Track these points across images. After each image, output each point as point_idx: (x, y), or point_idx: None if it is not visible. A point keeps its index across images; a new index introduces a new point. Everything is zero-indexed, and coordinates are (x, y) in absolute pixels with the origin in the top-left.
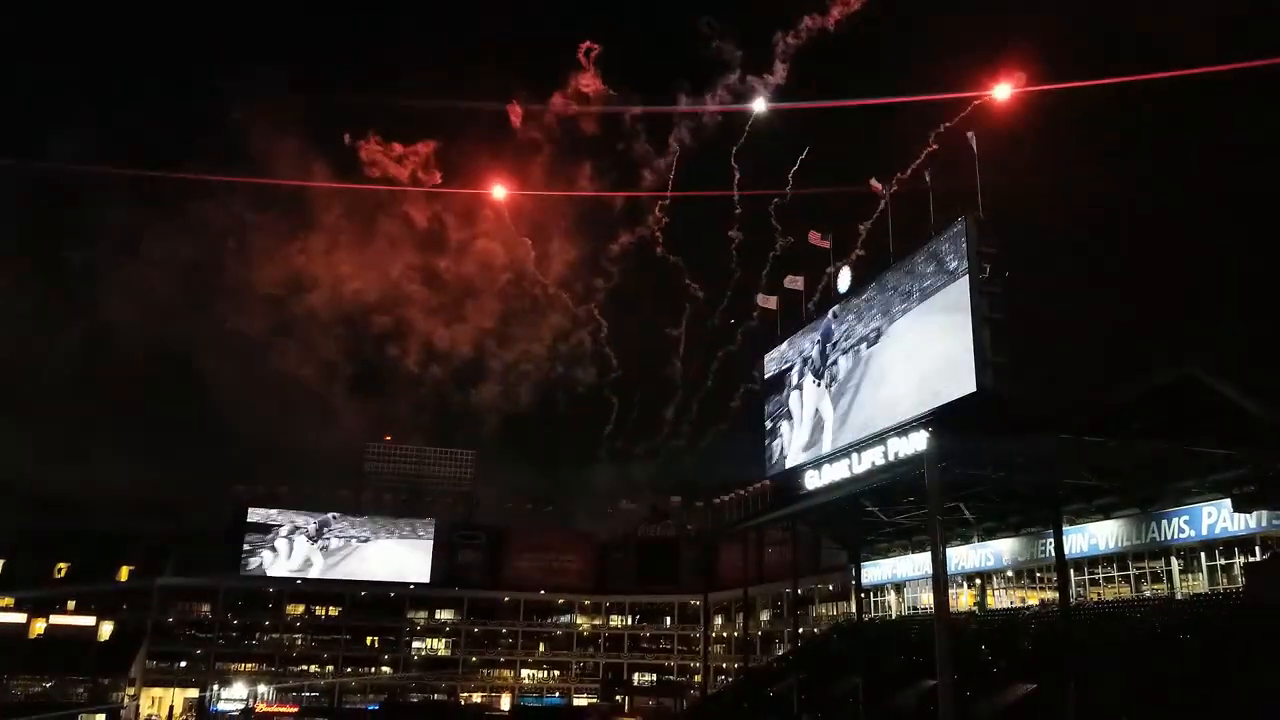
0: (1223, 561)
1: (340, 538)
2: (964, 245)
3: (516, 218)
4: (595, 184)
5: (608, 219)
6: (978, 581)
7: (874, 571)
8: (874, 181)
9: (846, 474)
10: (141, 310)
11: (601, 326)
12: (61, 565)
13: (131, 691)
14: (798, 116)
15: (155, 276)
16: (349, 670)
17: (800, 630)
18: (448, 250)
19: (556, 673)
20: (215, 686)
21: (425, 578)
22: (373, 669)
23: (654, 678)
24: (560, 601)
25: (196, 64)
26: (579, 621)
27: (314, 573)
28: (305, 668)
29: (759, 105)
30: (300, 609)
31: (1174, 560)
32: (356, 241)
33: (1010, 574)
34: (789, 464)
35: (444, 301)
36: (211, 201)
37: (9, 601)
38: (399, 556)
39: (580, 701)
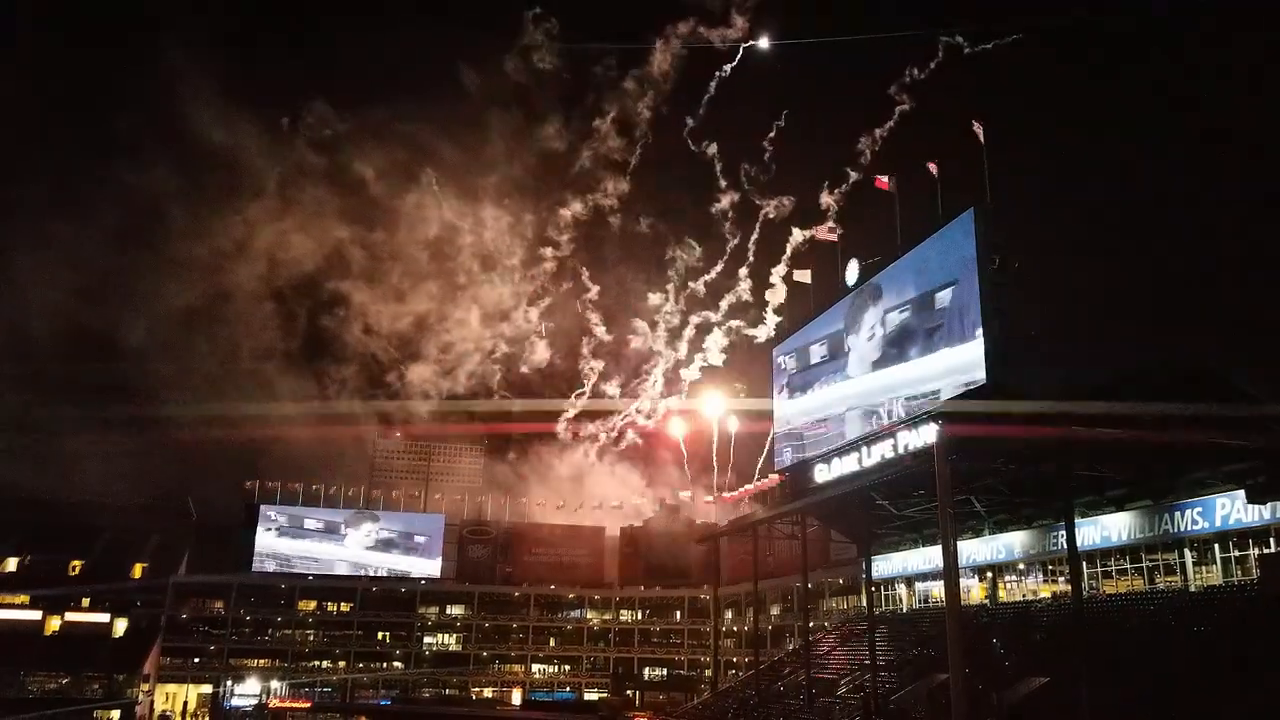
0: (1237, 553)
1: (352, 533)
2: (973, 236)
3: (471, 188)
4: (560, 145)
5: (568, 184)
6: (989, 574)
7: (884, 565)
8: (881, 177)
9: (856, 467)
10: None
11: (586, 289)
12: (75, 563)
13: (146, 687)
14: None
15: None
16: (361, 666)
17: (811, 624)
18: (390, 222)
19: (567, 667)
20: (229, 682)
21: (436, 573)
22: (384, 664)
23: (664, 672)
24: (570, 596)
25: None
26: (589, 616)
27: (325, 568)
28: (317, 663)
29: (762, 42)
30: (312, 605)
31: (1188, 552)
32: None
33: (1022, 567)
34: (798, 457)
35: (396, 277)
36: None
37: (24, 599)
38: (410, 552)
39: (591, 696)
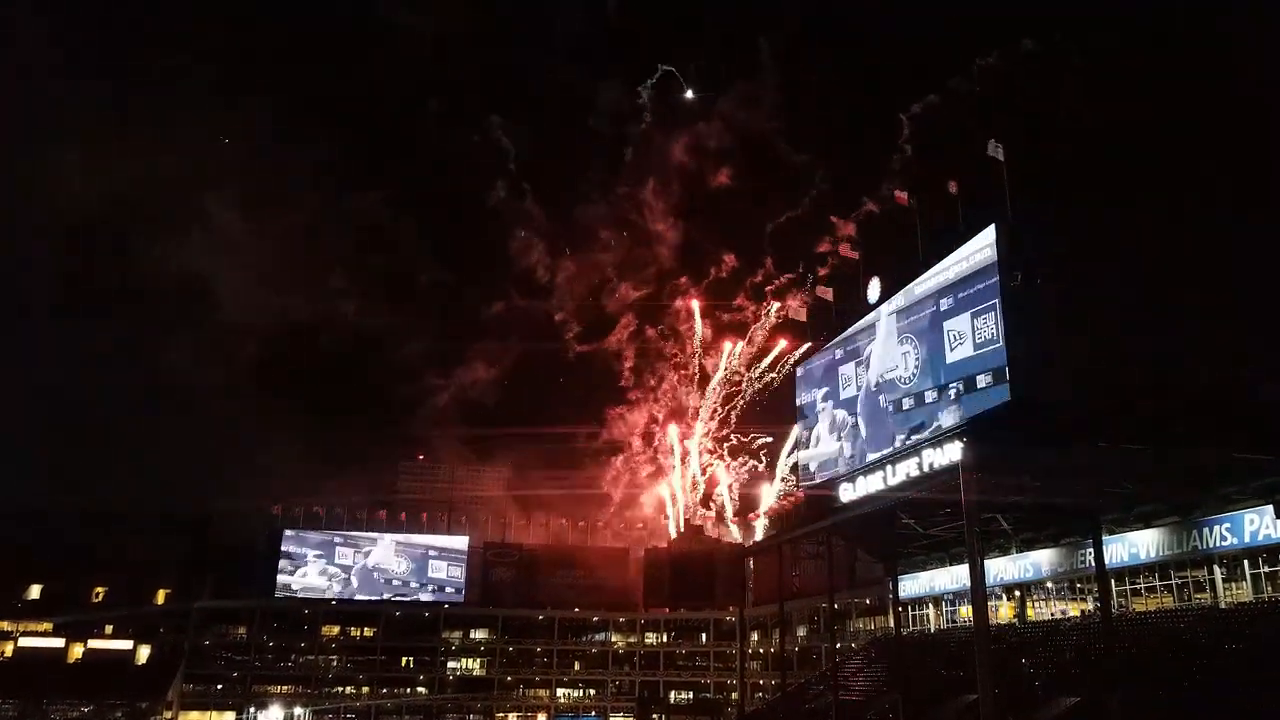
0: (1267, 569)
1: (375, 556)
2: (994, 252)
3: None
4: None
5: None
6: (1017, 593)
7: (911, 585)
8: (899, 192)
9: (881, 486)
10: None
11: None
12: (99, 589)
13: (169, 715)
14: None
15: None
16: (384, 691)
17: (838, 645)
18: None
19: (592, 691)
20: (251, 709)
21: (460, 597)
22: (408, 690)
23: (690, 695)
24: (595, 619)
25: None
26: (614, 639)
27: (349, 593)
28: (341, 689)
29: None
30: (335, 630)
31: (1217, 569)
32: None
33: (1050, 585)
34: (823, 476)
35: None
36: None
37: (48, 626)
38: (433, 575)
39: None
